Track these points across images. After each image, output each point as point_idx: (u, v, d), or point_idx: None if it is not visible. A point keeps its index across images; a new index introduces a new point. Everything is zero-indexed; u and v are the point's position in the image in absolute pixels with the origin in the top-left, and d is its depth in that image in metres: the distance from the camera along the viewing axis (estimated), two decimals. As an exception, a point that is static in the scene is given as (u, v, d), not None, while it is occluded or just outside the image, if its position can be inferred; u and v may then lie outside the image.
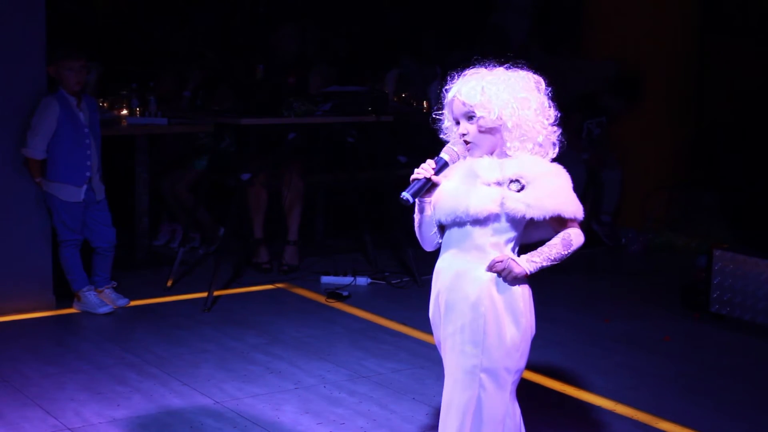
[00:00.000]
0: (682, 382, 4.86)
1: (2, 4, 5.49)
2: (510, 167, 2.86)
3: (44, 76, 5.64)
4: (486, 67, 2.94)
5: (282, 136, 6.82)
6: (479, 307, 2.86)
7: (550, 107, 2.94)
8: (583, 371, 4.92)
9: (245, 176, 6.25)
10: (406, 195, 2.88)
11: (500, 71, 2.93)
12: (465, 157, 2.93)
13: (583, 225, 2.93)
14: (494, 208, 2.83)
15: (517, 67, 2.96)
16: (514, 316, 2.88)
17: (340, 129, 6.85)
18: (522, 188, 2.83)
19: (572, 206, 2.87)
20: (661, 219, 8.01)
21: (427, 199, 2.94)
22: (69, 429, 4.06)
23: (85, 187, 5.64)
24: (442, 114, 3.01)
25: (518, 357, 2.90)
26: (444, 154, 2.91)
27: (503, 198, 2.83)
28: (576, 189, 2.91)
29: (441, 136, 3.03)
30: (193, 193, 7.18)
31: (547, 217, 2.84)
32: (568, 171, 2.92)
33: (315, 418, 4.24)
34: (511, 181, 2.84)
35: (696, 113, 8.42)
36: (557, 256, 2.87)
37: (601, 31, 8.17)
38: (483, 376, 2.87)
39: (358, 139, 6.93)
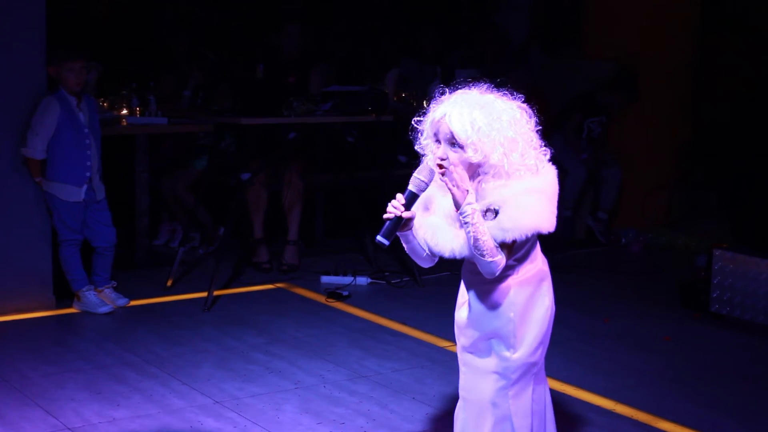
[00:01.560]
0: (682, 382, 4.86)
1: (2, 4, 5.49)
2: (483, 199, 2.78)
3: (44, 76, 5.64)
4: (477, 88, 2.83)
5: (282, 135, 6.82)
6: (508, 313, 2.92)
7: (536, 136, 2.84)
8: (583, 371, 4.92)
9: (245, 176, 6.25)
10: (380, 238, 2.76)
11: (490, 100, 2.79)
12: (438, 178, 2.80)
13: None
14: None
15: (507, 89, 2.85)
16: (539, 312, 2.99)
17: (340, 129, 6.85)
18: (497, 214, 2.75)
19: (548, 222, 2.78)
20: (661, 219, 8.00)
21: (406, 231, 2.85)
22: (69, 429, 4.06)
23: (85, 186, 5.64)
24: (421, 122, 2.89)
25: (543, 349, 3.04)
26: (411, 186, 2.79)
27: None
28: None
29: (416, 146, 2.92)
30: (193, 192, 7.18)
31: (528, 236, 2.77)
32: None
33: (315, 417, 4.24)
34: (486, 212, 2.76)
35: (696, 113, 8.42)
36: (481, 243, 2.70)
37: (601, 31, 8.17)
38: (514, 376, 2.96)
39: (358, 138, 6.93)
